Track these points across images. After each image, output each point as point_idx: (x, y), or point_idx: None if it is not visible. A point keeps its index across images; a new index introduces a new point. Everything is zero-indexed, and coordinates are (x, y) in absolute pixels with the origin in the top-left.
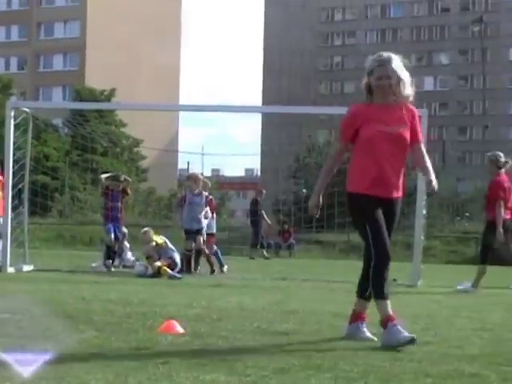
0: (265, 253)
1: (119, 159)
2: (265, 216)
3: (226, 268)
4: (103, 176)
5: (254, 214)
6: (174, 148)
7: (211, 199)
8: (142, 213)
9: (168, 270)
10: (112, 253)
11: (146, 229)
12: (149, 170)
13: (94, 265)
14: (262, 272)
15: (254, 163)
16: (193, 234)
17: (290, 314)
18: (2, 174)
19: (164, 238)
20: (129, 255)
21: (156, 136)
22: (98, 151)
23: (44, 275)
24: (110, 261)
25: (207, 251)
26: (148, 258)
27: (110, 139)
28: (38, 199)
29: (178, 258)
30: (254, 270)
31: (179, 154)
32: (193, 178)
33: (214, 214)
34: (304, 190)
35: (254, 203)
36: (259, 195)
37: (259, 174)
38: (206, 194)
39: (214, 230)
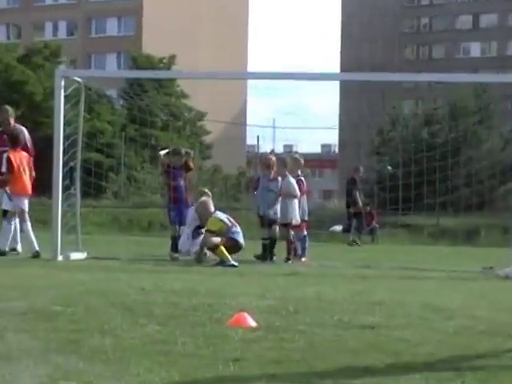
0: (352, 238)
1: (180, 134)
2: (358, 198)
3: (305, 259)
4: (162, 152)
5: (351, 194)
6: (241, 121)
7: (301, 180)
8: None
9: (225, 252)
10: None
11: (203, 198)
12: (213, 145)
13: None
14: (342, 259)
15: (332, 138)
16: (267, 221)
17: (375, 306)
18: (29, 153)
19: (223, 217)
20: (184, 238)
21: (221, 108)
22: (157, 125)
23: (99, 263)
24: (177, 254)
25: (290, 237)
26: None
27: (171, 112)
28: (90, 179)
29: (241, 239)
30: (333, 258)
31: (248, 128)
32: (265, 164)
33: (304, 197)
34: (389, 168)
35: (352, 182)
36: (356, 173)
37: (337, 149)
38: (298, 173)
39: (306, 216)
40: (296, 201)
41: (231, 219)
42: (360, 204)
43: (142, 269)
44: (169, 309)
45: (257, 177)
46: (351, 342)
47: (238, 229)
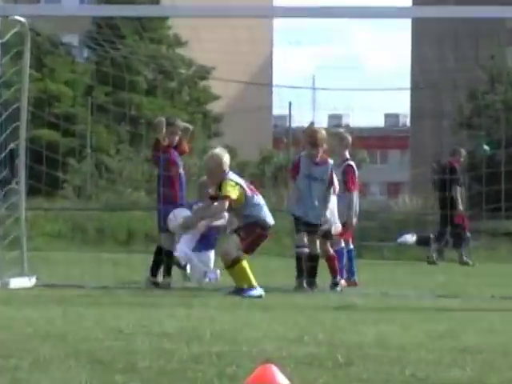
0: (432, 254)
1: (174, 100)
2: (458, 195)
3: (356, 279)
4: (160, 120)
5: (443, 188)
6: (265, 81)
7: (351, 167)
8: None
9: (248, 271)
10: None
11: (216, 150)
12: (224, 117)
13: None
14: (417, 285)
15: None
16: (306, 226)
17: (467, 354)
18: None
19: (241, 181)
20: (183, 247)
21: (236, 61)
22: (138, 87)
23: (53, 294)
24: (169, 279)
25: (331, 251)
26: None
27: (160, 67)
28: (41, 168)
29: (268, 216)
30: (401, 282)
31: (274, 91)
32: (310, 136)
33: (355, 194)
34: (486, 148)
35: (451, 171)
36: (456, 157)
37: (408, 122)
38: (347, 157)
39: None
40: (334, 198)
41: (250, 185)
42: (461, 206)
43: (119, 301)
44: (158, 360)
45: (296, 159)
46: None
47: (261, 200)
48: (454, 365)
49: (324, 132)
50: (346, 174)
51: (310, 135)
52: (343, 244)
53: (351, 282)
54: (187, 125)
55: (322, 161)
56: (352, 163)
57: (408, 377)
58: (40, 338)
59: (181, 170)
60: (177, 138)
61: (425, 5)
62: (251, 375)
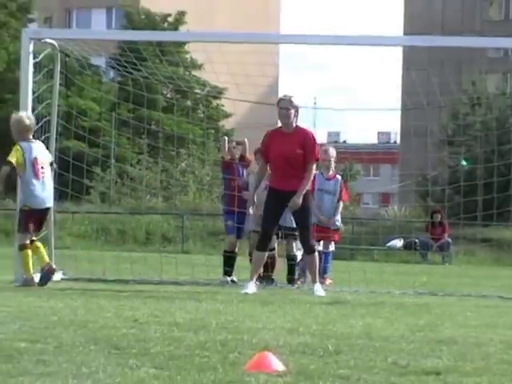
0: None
1: (190, 117)
2: None
3: (328, 281)
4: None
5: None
6: (272, 101)
7: (341, 181)
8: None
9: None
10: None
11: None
12: (234, 132)
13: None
14: (401, 284)
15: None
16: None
17: (443, 345)
18: None
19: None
20: None
21: (246, 83)
22: (158, 105)
23: (77, 287)
24: (228, 278)
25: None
26: None
27: (177, 87)
28: (68, 176)
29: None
30: (387, 281)
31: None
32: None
33: (340, 203)
34: (464, 163)
35: None
36: None
37: (398, 139)
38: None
39: (338, 225)
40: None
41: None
42: None
43: (136, 294)
44: (169, 347)
45: None
46: None
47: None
48: (431, 354)
49: (332, 150)
50: (341, 187)
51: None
52: (332, 248)
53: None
54: (242, 140)
55: (331, 176)
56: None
57: (390, 364)
58: (64, 326)
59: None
60: (238, 153)
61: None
62: (251, 361)
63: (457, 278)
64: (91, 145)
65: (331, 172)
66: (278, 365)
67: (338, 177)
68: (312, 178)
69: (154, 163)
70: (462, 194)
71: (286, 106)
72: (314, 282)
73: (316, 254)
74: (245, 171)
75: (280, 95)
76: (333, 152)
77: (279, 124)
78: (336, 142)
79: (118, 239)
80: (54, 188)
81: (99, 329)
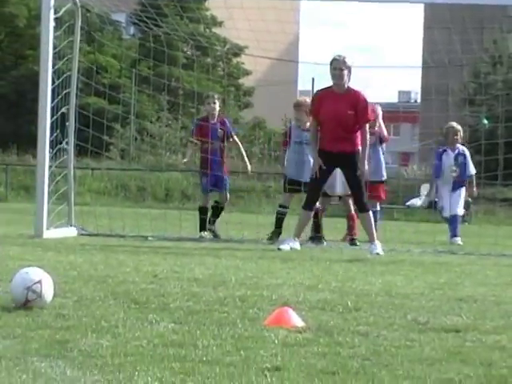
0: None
1: (210, 74)
2: None
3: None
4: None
5: None
6: (292, 58)
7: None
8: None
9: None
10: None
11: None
12: (255, 91)
13: (150, 238)
14: (420, 242)
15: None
16: (298, 185)
17: (463, 303)
18: None
19: None
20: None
21: (266, 40)
22: (178, 62)
23: (97, 242)
24: (205, 232)
25: (351, 210)
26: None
27: (197, 44)
28: (88, 132)
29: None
30: (407, 240)
31: (300, 67)
32: (297, 104)
33: (382, 147)
34: (485, 122)
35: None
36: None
37: (419, 98)
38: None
39: (385, 176)
40: None
41: None
42: None
43: (155, 250)
44: (188, 302)
45: (287, 128)
46: (429, 350)
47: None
48: (451, 312)
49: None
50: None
51: (299, 107)
52: (378, 206)
53: None
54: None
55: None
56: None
57: (410, 321)
58: (83, 280)
59: (219, 142)
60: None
61: None
62: (270, 316)
63: (477, 237)
64: (111, 101)
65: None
66: (297, 320)
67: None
68: (367, 139)
69: (173, 120)
70: (483, 153)
71: (339, 67)
72: (371, 240)
73: (370, 212)
74: (219, 130)
75: (334, 55)
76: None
77: (299, 84)
78: None
79: (137, 196)
80: (75, 144)
81: (119, 284)
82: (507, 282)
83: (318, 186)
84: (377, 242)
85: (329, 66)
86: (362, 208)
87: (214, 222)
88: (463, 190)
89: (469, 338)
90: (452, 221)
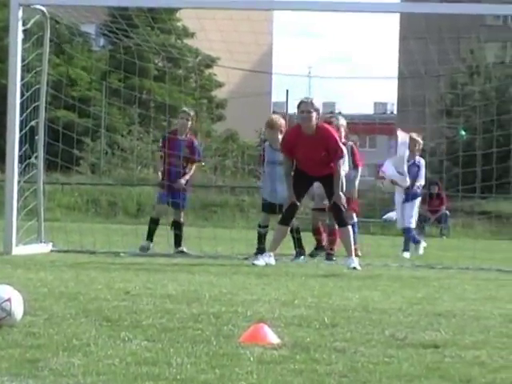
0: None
1: (183, 86)
2: None
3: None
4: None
5: None
6: (265, 69)
7: (352, 147)
8: (218, 167)
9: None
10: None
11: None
12: (227, 103)
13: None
14: (398, 256)
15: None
16: (273, 208)
17: (441, 318)
18: None
19: None
20: None
21: (239, 51)
22: (149, 74)
23: (68, 258)
24: (149, 243)
25: (319, 225)
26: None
27: (169, 56)
28: (58, 146)
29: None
30: (384, 254)
31: (274, 78)
32: (270, 125)
33: (359, 169)
34: (462, 133)
35: None
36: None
37: (395, 110)
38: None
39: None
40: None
41: None
42: None
43: (127, 266)
44: (161, 319)
45: (262, 149)
46: (407, 366)
47: None
48: (429, 327)
49: (282, 122)
50: (354, 153)
51: (270, 125)
52: (355, 219)
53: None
54: (189, 111)
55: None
56: (352, 143)
57: (387, 337)
58: (54, 298)
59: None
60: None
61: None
62: (245, 333)
63: (455, 250)
64: (81, 114)
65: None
66: (273, 337)
67: (350, 143)
68: (340, 173)
69: (145, 133)
70: (461, 165)
71: (307, 109)
72: (349, 255)
73: (349, 227)
74: (184, 148)
75: (302, 98)
76: (342, 121)
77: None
78: (331, 112)
79: (108, 211)
80: (44, 158)
81: (90, 301)
82: (486, 297)
83: (296, 204)
84: (354, 256)
85: (297, 109)
86: (341, 222)
87: (179, 242)
88: (417, 201)
89: (448, 354)
90: (404, 234)
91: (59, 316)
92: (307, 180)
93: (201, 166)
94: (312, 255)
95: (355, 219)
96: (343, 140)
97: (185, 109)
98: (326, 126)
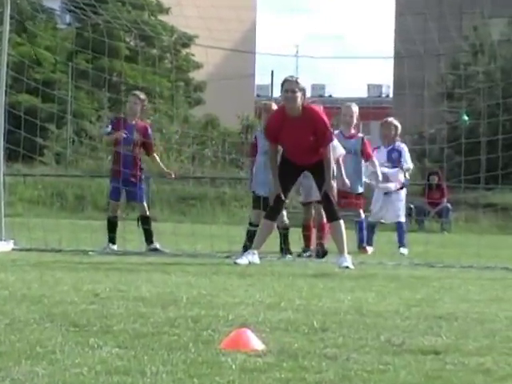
0: None
1: (157, 67)
2: None
3: (370, 249)
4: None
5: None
6: (248, 48)
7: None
8: (196, 157)
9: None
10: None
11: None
12: (207, 86)
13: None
14: (394, 254)
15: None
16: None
17: (442, 321)
18: None
19: None
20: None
21: (219, 28)
22: (120, 54)
23: (31, 258)
24: (111, 245)
25: (310, 222)
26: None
27: (142, 34)
28: (20, 134)
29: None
30: (380, 251)
31: (258, 59)
32: (266, 109)
33: (363, 162)
34: (465, 118)
35: None
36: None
37: (391, 93)
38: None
39: (361, 189)
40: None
41: None
42: None
43: (96, 266)
44: (134, 324)
45: (253, 139)
46: (405, 374)
47: None
48: (429, 332)
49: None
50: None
51: (267, 111)
52: (363, 216)
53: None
54: (140, 95)
55: (352, 135)
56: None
57: (383, 343)
58: (16, 301)
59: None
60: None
61: None
62: (227, 339)
63: (457, 247)
64: (45, 99)
65: (352, 130)
66: (256, 343)
67: (360, 135)
68: (331, 158)
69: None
70: (463, 153)
71: (291, 88)
72: (340, 252)
73: (341, 221)
74: (135, 133)
75: (286, 76)
76: (355, 108)
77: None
78: (321, 96)
79: (75, 205)
80: (5, 147)
81: (55, 304)
82: (491, 298)
83: (284, 195)
84: (346, 254)
85: (280, 88)
86: (332, 216)
87: (150, 238)
88: (402, 192)
89: (449, 361)
90: (397, 229)
91: (21, 321)
92: (295, 170)
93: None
94: (300, 256)
95: (363, 216)
96: (353, 131)
97: (135, 92)
98: (313, 106)
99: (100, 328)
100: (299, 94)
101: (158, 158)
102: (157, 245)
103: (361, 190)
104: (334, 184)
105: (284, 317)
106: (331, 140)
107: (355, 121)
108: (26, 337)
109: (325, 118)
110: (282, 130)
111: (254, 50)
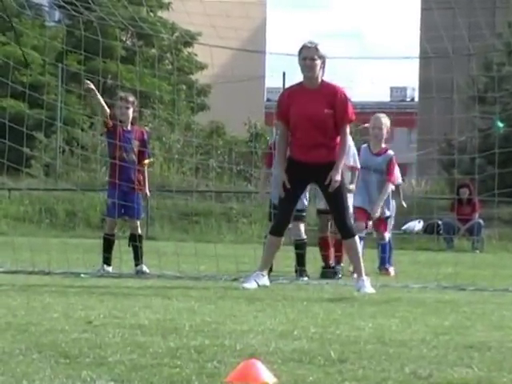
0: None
1: (156, 69)
2: None
3: (392, 270)
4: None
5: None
6: (258, 47)
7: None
8: (200, 168)
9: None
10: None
11: None
12: (211, 89)
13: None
14: (420, 276)
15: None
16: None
17: (474, 351)
18: None
19: None
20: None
21: (225, 25)
22: (116, 54)
23: (17, 281)
24: (105, 266)
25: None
26: None
27: (140, 32)
28: (4, 143)
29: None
30: (404, 272)
31: (268, 59)
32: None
33: (399, 179)
34: (500, 125)
35: None
36: None
37: (416, 96)
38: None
39: (388, 212)
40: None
41: None
42: None
43: (89, 290)
44: (131, 355)
45: (271, 143)
46: None
47: None
48: (459, 363)
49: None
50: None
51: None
52: (387, 239)
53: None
54: (129, 97)
55: (381, 150)
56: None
57: (408, 375)
58: (0, 330)
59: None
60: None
61: None
62: (234, 372)
63: (490, 268)
64: (32, 104)
65: (383, 145)
66: (267, 376)
67: (390, 152)
68: (347, 143)
69: None
70: (497, 163)
71: (310, 56)
72: (358, 275)
73: (356, 238)
74: (134, 140)
75: (304, 42)
76: (385, 120)
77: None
78: None
79: (66, 222)
80: None
81: (44, 333)
82: None
83: (289, 207)
84: (365, 276)
85: (297, 56)
86: (346, 233)
87: (138, 260)
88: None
89: None
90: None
91: (6, 352)
92: (303, 174)
93: (152, 163)
94: (323, 276)
95: (387, 239)
96: (383, 145)
97: (121, 94)
98: (335, 83)
99: (93, 359)
100: (318, 62)
101: (146, 172)
102: (143, 266)
103: (388, 213)
104: (339, 177)
105: (298, 346)
106: (351, 119)
107: (385, 135)
108: (11, 369)
109: (347, 95)
110: (294, 104)
111: (263, 50)
